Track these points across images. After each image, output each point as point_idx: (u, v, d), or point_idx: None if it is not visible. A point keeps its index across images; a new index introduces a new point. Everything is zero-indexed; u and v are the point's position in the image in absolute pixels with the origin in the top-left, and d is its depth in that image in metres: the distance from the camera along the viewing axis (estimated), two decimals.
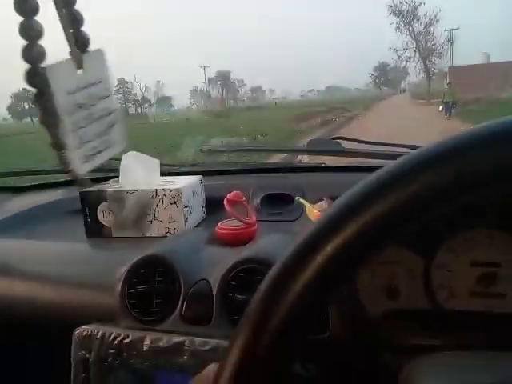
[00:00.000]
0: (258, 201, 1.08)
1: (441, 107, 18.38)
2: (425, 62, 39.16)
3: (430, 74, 39.42)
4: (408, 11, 38.96)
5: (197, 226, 1.02)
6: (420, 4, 38.83)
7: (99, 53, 0.57)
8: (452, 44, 40.13)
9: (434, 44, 39.81)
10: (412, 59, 40.48)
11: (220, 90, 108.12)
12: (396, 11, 39.19)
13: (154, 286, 0.72)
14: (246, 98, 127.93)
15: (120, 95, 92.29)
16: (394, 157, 1.13)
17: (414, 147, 1.16)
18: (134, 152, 1.01)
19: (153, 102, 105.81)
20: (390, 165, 0.32)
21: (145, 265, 0.73)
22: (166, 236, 0.95)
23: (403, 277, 0.70)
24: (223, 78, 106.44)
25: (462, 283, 0.67)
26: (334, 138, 1.26)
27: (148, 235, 0.97)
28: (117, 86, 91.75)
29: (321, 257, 0.32)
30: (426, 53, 39.09)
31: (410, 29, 39.59)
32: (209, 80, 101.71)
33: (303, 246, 0.33)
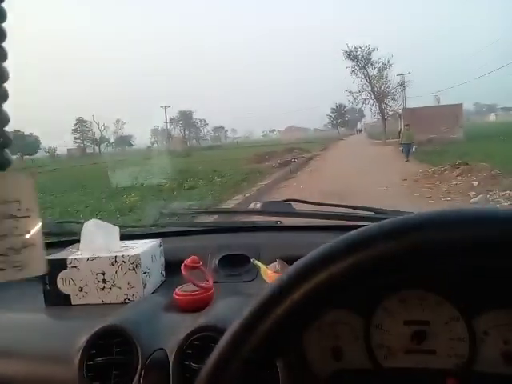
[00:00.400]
0: (216, 262, 1.12)
1: (401, 148, 17.59)
2: (380, 104, 40.65)
3: (384, 115, 41.01)
4: (362, 56, 40.47)
5: (156, 291, 1.04)
6: (374, 50, 40.46)
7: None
8: (404, 88, 42.26)
9: (388, 87, 41.51)
10: (367, 101, 42.04)
11: (182, 130, 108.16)
12: (351, 56, 40.59)
13: (112, 358, 0.74)
14: (208, 138, 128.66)
15: (78, 134, 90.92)
16: (340, 217, 1.21)
17: (355, 207, 1.25)
18: (95, 220, 1.04)
19: (112, 141, 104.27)
20: (331, 242, 0.39)
21: (103, 336, 0.75)
22: (124, 302, 0.97)
23: (346, 337, 0.76)
24: (185, 118, 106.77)
25: (398, 341, 0.74)
26: (286, 200, 1.33)
27: (107, 302, 0.99)
28: (75, 124, 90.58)
29: (266, 326, 0.38)
30: (380, 95, 40.73)
31: (365, 72, 41.12)
32: (171, 119, 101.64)
33: (250, 317, 0.39)
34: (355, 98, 41.79)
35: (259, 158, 20.77)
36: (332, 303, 0.40)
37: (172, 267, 1.07)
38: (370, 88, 40.83)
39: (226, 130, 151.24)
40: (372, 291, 0.74)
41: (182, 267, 0.93)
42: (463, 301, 0.71)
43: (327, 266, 0.37)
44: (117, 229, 1.06)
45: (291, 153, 23.63)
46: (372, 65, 40.60)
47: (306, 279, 0.38)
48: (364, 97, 41.43)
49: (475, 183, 8.50)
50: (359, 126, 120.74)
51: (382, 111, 40.52)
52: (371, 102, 41.41)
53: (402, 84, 41.36)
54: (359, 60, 40.34)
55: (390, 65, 40.05)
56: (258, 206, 1.37)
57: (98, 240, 1.01)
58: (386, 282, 0.39)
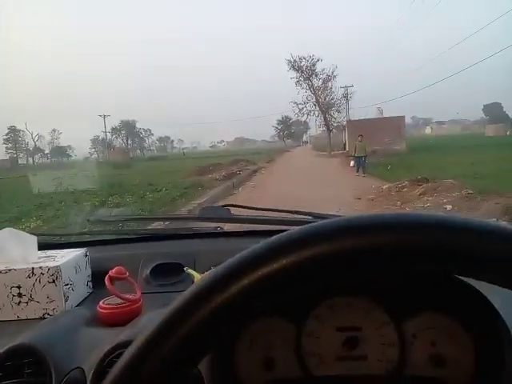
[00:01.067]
0: (148, 272, 1.07)
1: (352, 162, 16.48)
2: (324, 116, 40.41)
3: (329, 127, 40.81)
4: (307, 66, 39.82)
5: (81, 304, 0.97)
6: (318, 60, 39.98)
7: None
8: (348, 100, 42.05)
9: (332, 99, 41.16)
10: (313, 113, 41.44)
11: (125, 139, 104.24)
12: (295, 66, 39.83)
13: (23, 380, 0.66)
14: (154, 148, 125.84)
15: (10, 144, 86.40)
16: (279, 222, 1.19)
17: (294, 212, 1.24)
18: (9, 228, 0.95)
19: (47, 151, 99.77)
20: (249, 249, 0.36)
21: (12, 356, 0.68)
22: (43, 318, 0.89)
23: (278, 346, 0.73)
24: (128, 127, 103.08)
25: (329, 349, 0.72)
26: (224, 206, 1.30)
27: (24, 318, 0.90)
28: (7, 134, 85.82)
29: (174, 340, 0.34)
30: (325, 107, 40.39)
31: (310, 83, 40.52)
32: (112, 129, 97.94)
33: (166, 321, 0.35)
34: (300, 110, 41.36)
35: (203, 169, 20.01)
36: (256, 310, 0.37)
37: (100, 278, 0.99)
38: (314, 99, 40.60)
39: (172, 141, 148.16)
40: (303, 298, 0.72)
41: (106, 279, 0.87)
42: (393, 305, 0.71)
43: (246, 271, 0.35)
44: (34, 238, 0.97)
45: (236, 164, 23.01)
46: (316, 76, 40.40)
47: (226, 284, 0.35)
48: (309, 108, 41.13)
49: (448, 206, 7.13)
50: (305, 137, 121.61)
51: (326, 123, 40.46)
52: (316, 113, 41.25)
53: (346, 96, 41.56)
54: (303, 71, 39.98)
55: (335, 76, 40.15)
56: (196, 211, 1.33)
57: (13, 250, 0.92)
58: (315, 288, 0.36)
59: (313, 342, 0.72)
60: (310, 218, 1.21)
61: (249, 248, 0.36)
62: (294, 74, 39.96)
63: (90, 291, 1.03)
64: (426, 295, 0.70)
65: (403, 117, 32.53)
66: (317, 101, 40.31)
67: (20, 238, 0.95)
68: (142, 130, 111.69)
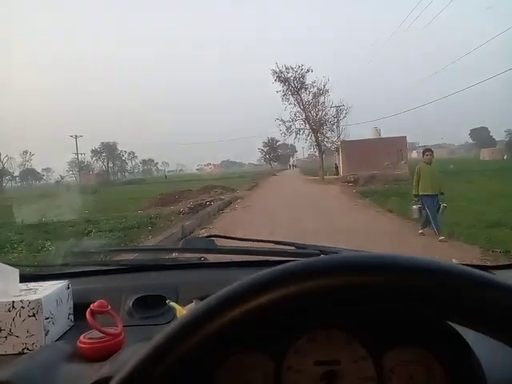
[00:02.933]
0: (131, 304, 1.06)
1: (416, 209, 7.74)
2: (316, 135, 34.51)
3: (321, 148, 35.21)
4: (295, 77, 34.13)
5: (61, 337, 0.96)
6: (307, 71, 34.21)
7: None
8: (338, 120, 36.14)
9: (325, 114, 35.22)
10: (302, 131, 35.06)
11: (105, 162, 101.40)
12: (281, 78, 34.18)
13: None
14: (138, 171, 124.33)
15: None
16: (263, 253, 1.20)
17: (278, 243, 1.25)
18: None
19: (16, 174, 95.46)
20: (225, 289, 0.39)
21: None
22: (22, 353, 0.88)
23: (257, 382, 0.73)
24: (109, 150, 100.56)
25: (308, 383, 0.72)
26: (208, 236, 1.31)
27: (2, 353, 0.88)
28: None
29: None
30: (316, 124, 34.47)
31: (298, 98, 34.66)
32: (92, 151, 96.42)
33: (152, 351, 0.37)
34: (288, 128, 35.34)
35: (168, 198, 16.95)
36: (237, 343, 0.40)
37: (82, 311, 0.98)
38: (304, 116, 35.17)
39: (157, 163, 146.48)
40: (283, 332, 0.73)
41: (87, 312, 0.86)
42: (371, 339, 0.72)
43: (232, 307, 0.37)
44: (16, 271, 0.96)
45: (209, 192, 19.45)
46: (306, 89, 34.87)
47: (211, 318, 0.37)
48: (298, 126, 35.36)
49: None
50: (291, 161, 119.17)
51: (318, 143, 35.17)
52: (306, 132, 35.46)
53: (337, 117, 36.17)
54: (291, 83, 34.64)
55: (327, 90, 34.60)
56: (180, 243, 1.33)
57: None
58: (295, 322, 0.38)
59: (292, 375, 0.73)
60: (293, 248, 1.22)
61: (234, 283, 0.39)
62: (279, 87, 34.50)
63: (72, 324, 1.02)
64: (405, 330, 0.72)
65: (405, 137, 29.21)
66: (307, 118, 34.89)
67: (1, 271, 0.94)
68: (123, 153, 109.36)
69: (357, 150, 26.24)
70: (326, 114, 35.28)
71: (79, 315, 1.02)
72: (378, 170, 22.80)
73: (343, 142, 32.93)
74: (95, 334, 0.85)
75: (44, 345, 0.89)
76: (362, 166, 23.34)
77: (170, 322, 1.01)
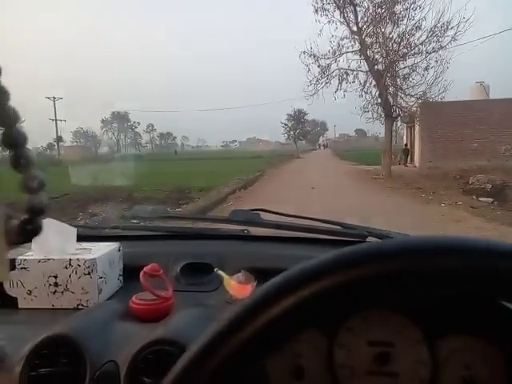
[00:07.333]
0: (178, 270, 1.08)
1: None
2: (384, 84, 15.89)
3: (392, 111, 16.73)
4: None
5: (112, 297, 0.99)
6: None
7: None
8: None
9: (412, 47, 16.05)
10: (354, 76, 16.92)
11: (116, 134, 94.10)
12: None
13: (57, 369, 0.68)
14: (152, 144, 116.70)
15: None
16: (308, 230, 1.19)
17: (324, 221, 1.24)
18: (49, 219, 0.97)
19: None
20: (316, 259, 0.37)
21: (48, 345, 0.70)
22: (77, 308, 0.92)
23: (309, 356, 0.73)
24: (120, 120, 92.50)
25: (360, 362, 0.72)
26: (253, 210, 1.31)
27: (58, 307, 0.93)
28: None
29: (227, 349, 0.36)
30: (391, 61, 15.90)
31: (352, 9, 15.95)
32: (102, 121, 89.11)
33: (212, 338, 0.36)
34: (324, 69, 16.89)
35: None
36: (308, 324, 0.39)
37: (131, 273, 1.02)
38: (359, 43, 16.40)
39: (175, 137, 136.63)
40: (337, 310, 0.73)
41: (141, 274, 0.88)
42: (428, 324, 0.71)
43: (306, 285, 0.36)
44: (74, 230, 1.00)
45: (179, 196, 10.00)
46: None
47: (284, 296, 0.36)
48: (344, 66, 16.99)
49: None
50: (321, 140, 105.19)
51: (386, 101, 16.37)
52: (360, 77, 17.07)
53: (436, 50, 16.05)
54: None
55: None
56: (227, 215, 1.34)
57: (52, 240, 0.94)
58: (353, 301, 0.38)
59: (344, 353, 0.72)
60: (340, 228, 1.21)
61: (296, 254, 0.38)
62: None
63: (121, 285, 1.05)
64: (462, 316, 0.70)
65: None
66: (366, 46, 16.35)
67: (59, 229, 0.97)
68: (136, 124, 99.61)
69: (448, 120, 15.57)
70: (415, 43, 16.09)
71: (127, 277, 1.05)
72: (485, 158, 14.19)
73: (424, 104, 16.63)
74: (146, 295, 0.87)
75: (97, 302, 0.92)
76: (453, 150, 14.26)
77: (215, 289, 1.03)
